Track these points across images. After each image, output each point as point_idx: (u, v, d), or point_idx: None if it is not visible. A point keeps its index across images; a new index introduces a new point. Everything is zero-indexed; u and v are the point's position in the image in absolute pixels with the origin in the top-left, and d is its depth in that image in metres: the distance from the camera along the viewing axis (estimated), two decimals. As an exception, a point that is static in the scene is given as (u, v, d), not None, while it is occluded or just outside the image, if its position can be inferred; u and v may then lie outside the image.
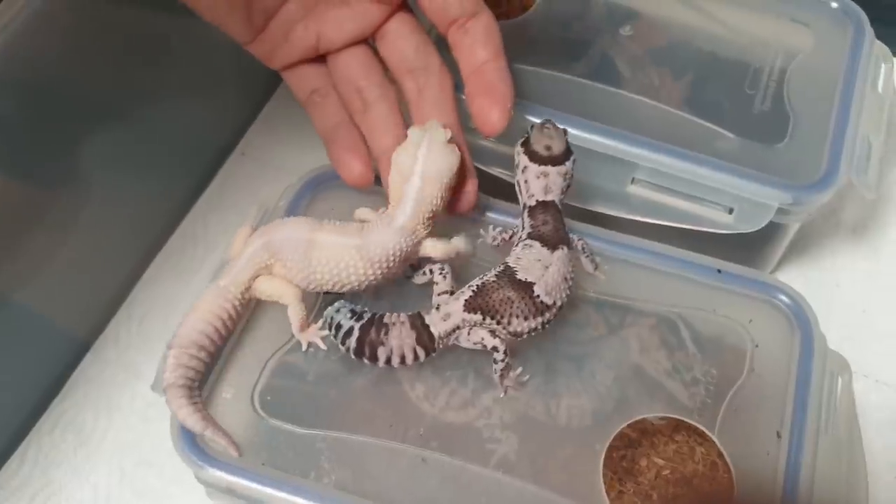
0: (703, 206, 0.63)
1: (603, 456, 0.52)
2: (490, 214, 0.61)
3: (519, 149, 0.57)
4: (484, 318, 0.52)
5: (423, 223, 0.54)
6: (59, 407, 0.63)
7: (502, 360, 0.53)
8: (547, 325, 0.53)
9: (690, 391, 0.56)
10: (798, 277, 0.71)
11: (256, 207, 0.59)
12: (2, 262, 0.56)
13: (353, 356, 0.52)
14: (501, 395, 0.54)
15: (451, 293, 0.54)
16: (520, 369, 0.55)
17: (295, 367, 0.54)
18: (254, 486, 0.49)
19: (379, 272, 0.53)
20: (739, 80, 0.68)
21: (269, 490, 0.49)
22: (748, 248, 0.66)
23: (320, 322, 0.54)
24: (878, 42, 0.70)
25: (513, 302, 0.52)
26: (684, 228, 0.64)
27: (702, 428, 0.54)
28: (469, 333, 0.52)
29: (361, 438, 0.52)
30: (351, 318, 0.52)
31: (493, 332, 0.52)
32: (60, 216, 0.61)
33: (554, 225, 0.55)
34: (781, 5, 0.72)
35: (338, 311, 0.52)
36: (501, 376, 0.53)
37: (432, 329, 0.51)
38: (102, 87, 0.61)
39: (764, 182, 0.60)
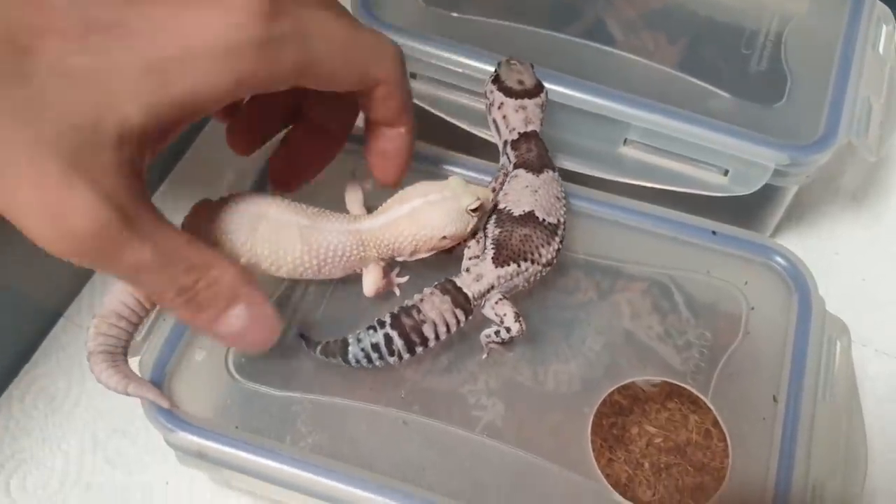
0: (697, 167, 0.61)
1: (591, 421, 0.50)
2: (455, 169, 0.59)
3: (491, 87, 0.56)
4: (519, 265, 0.50)
5: (379, 249, 0.50)
6: (30, 374, 0.61)
7: (506, 339, 0.51)
8: (562, 245, 0.52)
9: (683, 356, 0.54)
10: (796, 245, 0.68)
11: (231, 171, 0.57)
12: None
13: (408, 355, 0.48)
14: (484, 357, 0.52)
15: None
16: None
17: (271, 328, 0.52)
18: (226, 449, 0.47)
19: (314, 263, 0.49)
20: (735, 41, 0.66)
21: (241, 454, 0.47)
22: (744, 213, 0.64)
23: None
24: (879, 3, 0.67)
25: (530, 236, 0.51)
26: (679, 193, 0.62)
27: (696, 393, 0.52)
28: (496, 303, 0.50)
29: (340, 401, 0.50)
30: (375, 331, 0.48)
31: (517, 315, 0.50)
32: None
33: (538, 151, 0.54)
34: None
35: (359, 340, 0.48)
36: (491, 343, 0.52)
37: (465, 290, 0.49)
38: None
39: (760, 142, 0.58)
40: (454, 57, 0.60)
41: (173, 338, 0.51)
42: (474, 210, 0.50)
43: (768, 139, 0.58)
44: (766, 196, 0.62)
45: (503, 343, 0.51)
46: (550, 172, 0.53)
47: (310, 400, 0.49)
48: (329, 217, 0.50)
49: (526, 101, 0.55)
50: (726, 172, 0.60)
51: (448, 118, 0.63)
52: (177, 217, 0.67)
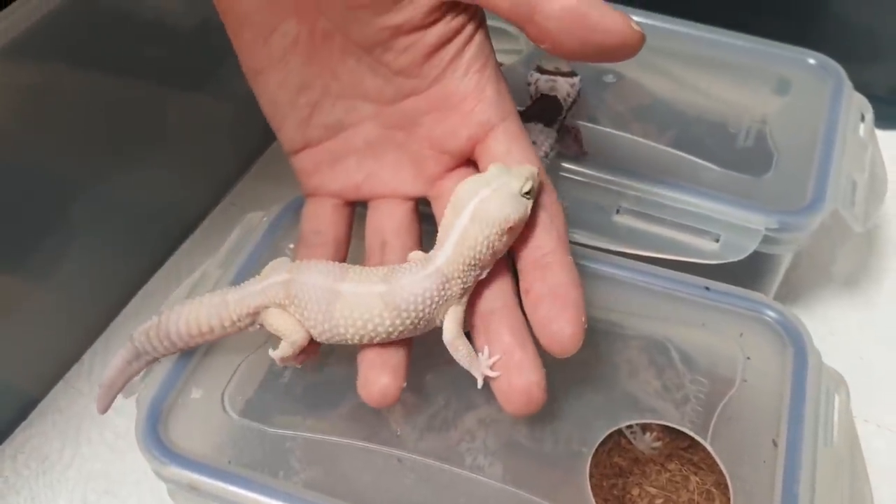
0: (689, 234, 0.62)
1: (589, 462, 0.50)
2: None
3: (532, 72, 0.64)
4: None
5: (462, 271, 0.46)
6: (24, 434, 0.60)
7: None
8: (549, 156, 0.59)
9: (681, 410, 0.53)
10: (791, 324, 0.70)
11: (239, 228, 0.59)
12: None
13: None
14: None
15: None
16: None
17: (269, 370, 0.52)
18: (217, 483, 0.46)
19: (408, 322, 0.46)
20: (722, 124, 0.69)
21: (232, 488, 0.46)
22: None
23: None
24: (857, 94, 0.71)
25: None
26: (673, 265, 0.63)
27: (694, 436, 0.51)
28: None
29: (334, 439, 0.49)
30: None
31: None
32: (44, 253, 0.61)
33: (541, 108, 0.60)
34: (761, 63, 0.74)
35: None
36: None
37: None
38: (91, 151, 0.63)
39: (749, 207, 0.60)
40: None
41: (171, 377, 0.51)
42: (527, 193, 0.46)
43: (757, 204, 0.60)
44: (758, 268, 0.63)
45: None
46: (540, 125, 0.58)
47: (303, 437, 0.49)
48: (401, 271, 0.46)
49: (557, 78, 0.61)
50: (717, 239, 0.62)
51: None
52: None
